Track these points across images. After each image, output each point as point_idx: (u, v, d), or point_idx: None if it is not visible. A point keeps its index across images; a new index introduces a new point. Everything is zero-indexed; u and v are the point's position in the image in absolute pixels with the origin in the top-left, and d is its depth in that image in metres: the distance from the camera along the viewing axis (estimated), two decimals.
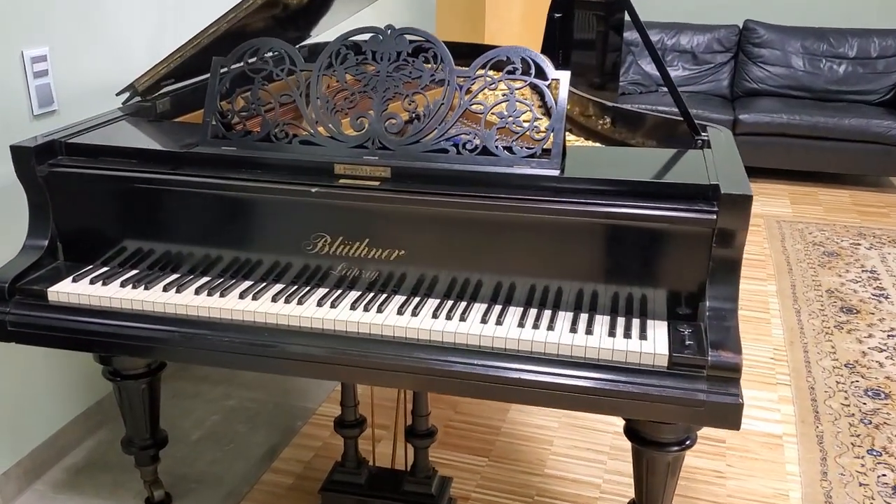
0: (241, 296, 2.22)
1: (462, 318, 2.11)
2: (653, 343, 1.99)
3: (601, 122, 2.95)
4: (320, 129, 2.31)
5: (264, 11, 3.12)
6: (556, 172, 2.15)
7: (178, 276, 2.35)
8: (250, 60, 2.39)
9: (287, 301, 2.20)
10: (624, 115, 2.90)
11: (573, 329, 2.06)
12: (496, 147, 2.23)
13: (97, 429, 3.26)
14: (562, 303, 2.17)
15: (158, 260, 2.37)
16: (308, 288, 2.27)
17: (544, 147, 2.21)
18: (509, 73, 2.27)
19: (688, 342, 1.97)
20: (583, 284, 2.14)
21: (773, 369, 3.85)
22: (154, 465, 2.84)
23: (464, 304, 2.20)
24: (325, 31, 3.77)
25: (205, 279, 2.33)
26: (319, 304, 2.18)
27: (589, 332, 2.04)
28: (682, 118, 2.60)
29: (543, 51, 5.68)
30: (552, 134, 2.21)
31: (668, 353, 1.95)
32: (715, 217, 1.99)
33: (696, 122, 2.56)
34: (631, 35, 7.01)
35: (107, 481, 3.05)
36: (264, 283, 2.30)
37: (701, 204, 2.02)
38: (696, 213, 2.01)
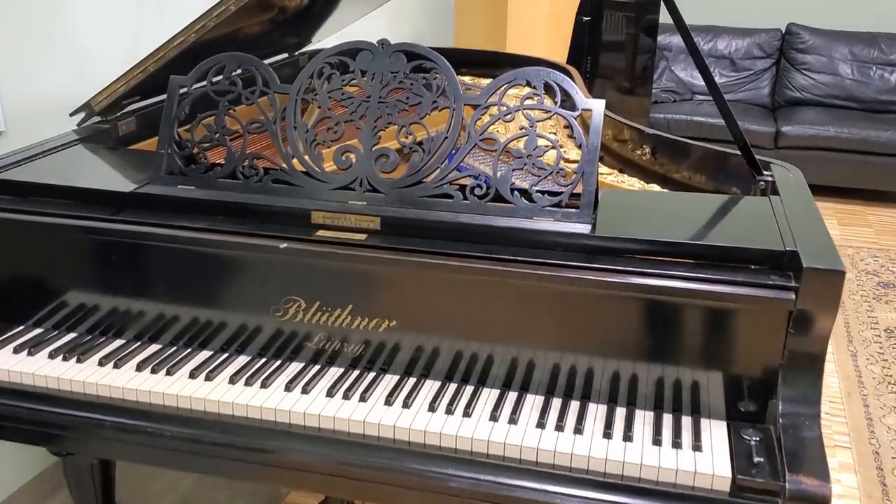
0: (192, 374, 1.80)
1: (466, 413, 1.67)
2: (710, 457, 1.54)
3: (640, 151, 2.49)
4: (297, 165, 1.88)
5: (255, 15, 2.70)
6: (586, 228, 1.71)
7: (123, 342, 1.93)
8: (215, 80, 1.96)
9: (248, 383, 1.77)
10: (667, 145, 2.45)
11: (607, 433, 1.61)
12: (512, 193, 1.78)
13: (52, 495, 2.86)
14: (592, 392, 1.72)
15: (100, 322, 1.95)
16: (278, 363, 1.84)
17: (572, 193, 1.77)
18: (531, 100, 1.82)
19: (756, 458, 1.52)
20: (619, 368, 1.69)
21: (829, 428, 3.37)
22: None
23: (469, 389, 1.76)
24: (331, 35, 3.34)
25: (153, 348, 1.91)
26: (288, 387, 1.75)
27: (627, 437, 1.60)
28: (738, 151, 2.14)
29: (570, 58, 5.22)
30: (582, 178, 1.76)
31: (730, 473, 1.50)
32: (794, 297, 1.54)
33: (757, 157, 2.10)
34: (662, 39, 6.52)
35: None
36: (226, 355, 1.87)
37: (775, 277, 1.57)
38: (769, 289, 1.56)
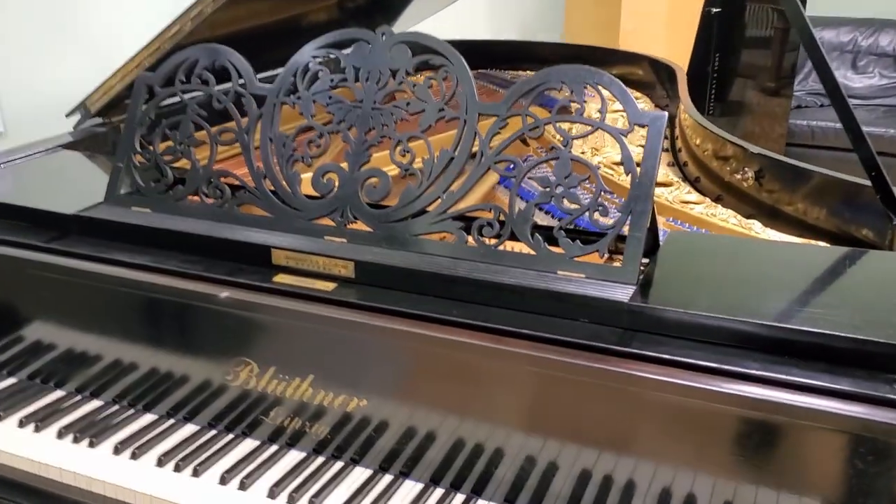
0: (117, 449, 1.42)
1: None
2: None
3: (740, 175, 1.95)
4: (269, 186, 1.48)
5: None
6: (626, 294, 1.22)
7: (57, 397, 1.58)
8: (183, 78, 1.58)
9: (178, 468, 1.37)
10: (777, 168, 1.89)
11: None
12: (532, 236, 1.32)
13: None
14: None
15: (33, 370, 1.62)
16: (228, 439, 1.44)
17: (613, 247, 1.28)
18: (564, 110, 1.35)
19: None
20: (667, 487, 1.19)
21: None
22: None
23: (458, 499, 1.31)
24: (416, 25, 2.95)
25: (90, 406, 1.55)
26: (223, 480, 1.35)
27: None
28: (868, 180, 1.58)
29: (694, 55, 4.60)
30: (627, 226, 1.27)
31: None
32: None
33: (892, 187, 1.54)
34: (817, 34, 5.74)
35: None
36: (171, 421, 1.49)
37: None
38: (884, 408, 1.03)
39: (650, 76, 2.84)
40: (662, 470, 1.18)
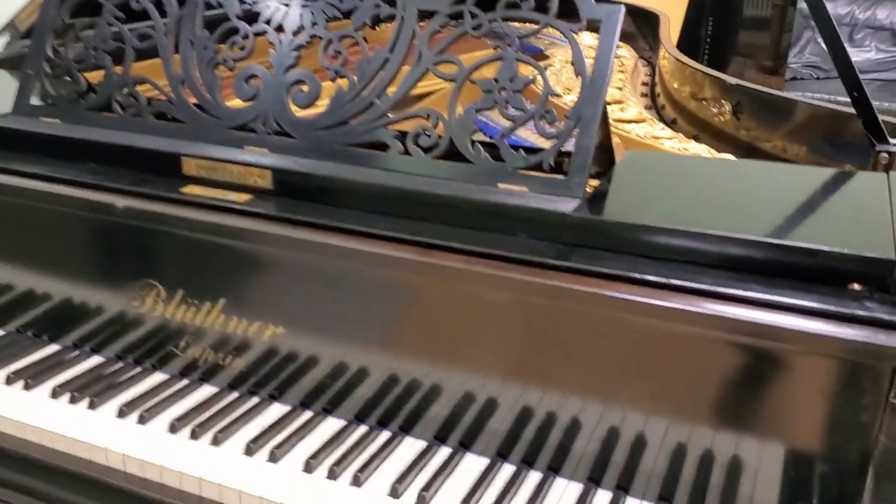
0: (9, 380, 1.28)
1: (357, 480, 1.07)
2: None
3: (716, 109, 1.80)
4: (189, 95, 1.33)
5: None
6: (569, 205, 1.08)
7: None
8: None
9: (74, 399, 1.23)
10: (756, 101, 1.74)
11: None
12: (470, 146, 1.17)
13: None
14: (566, 462, 1.10)
15: None
16: (134, 372, 1.30)
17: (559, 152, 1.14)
18: (512, 6, 1.20)
19: None
20: (610, 431, 1.06)
21: None
22: None
23: (382, 437, 1.17)
24: None
25: None
26: (121, 413, 1.20)
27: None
28: (854, 109, 1.43)
29: (687, 18, 4.43)
30: (576, 129, 1.12)
31: None
32: None
33: (879, 117, 1.39)
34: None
35: None
36: (75, 353, 1.35)
37: (873, 305, 0.90)
38: (860, 326, 0.89)
39: (630, 26, 2.69)
40: (610, 398, 1.04)
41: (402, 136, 1.21)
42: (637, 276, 0.97)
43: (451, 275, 1.06)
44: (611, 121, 1.67)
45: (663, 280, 0.96)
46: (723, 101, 1.77)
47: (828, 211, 1.11)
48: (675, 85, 2.09)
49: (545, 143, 1.15)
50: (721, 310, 0.93)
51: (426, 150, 1.19)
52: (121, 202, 1.21)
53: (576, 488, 1.08)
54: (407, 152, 1.19)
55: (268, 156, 1.24)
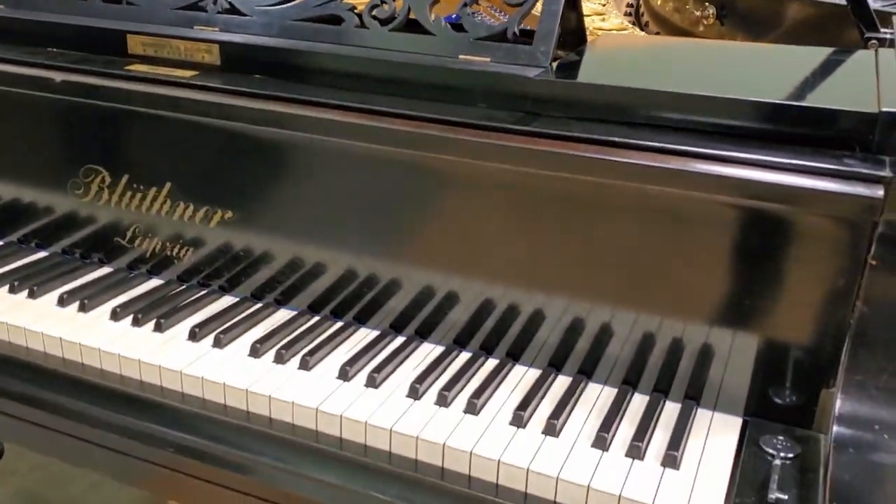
0: None
1: (345, 377, 1.01)
2: (689, 480, 0.84)
3: (700, 13, 1.73)
4: None
5: None
6: (534, 71, 1.01)
7: None
8: None
9: (14, 289, 1.17)
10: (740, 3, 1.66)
11: (518, 415, 0.92)
12: (429, 16, 1.10)
13: None
14: (531, 345, 1.03)
15: None
16: (76, 266, 1.24)
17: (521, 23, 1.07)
18: None
19: (775, 492, 0.80)
20: (567, 308, 0.99)
21: None
22: None
23: (333, 328, 1.10)
24: None
25: None
26: (62, 301, 1.14)
27: (550, 427, 0.90)
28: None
29: None
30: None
31: None
32: (881, 195, 0.80)
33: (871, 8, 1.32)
34: None
35: None
36: (15, 247, 1.29)
37: (852, 162, 0.83)
38: (836, 180, 0.82)
39: None
40: (559, 284, 0.98)
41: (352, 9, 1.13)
42: (603, 137, 0.90)
43: (402, 140, 0.99)
44: (591, 29, 1.61)
45: (633, 141, 0.89)
46: (707, 4, 1.69)
47: (811, 78, 1.04)
48: (659, 2, 2.02)
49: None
50: (693, 167, 0.86)
51: (383, 22, 1.11)
52: (59, 76, 1.13)
53: (534, 374, 1.02)
54: (363, 25, 1.12)
55: (217, 33, 1.16)
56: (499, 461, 0.86)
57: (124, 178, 1.17)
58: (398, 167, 1.02)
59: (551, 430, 0.90)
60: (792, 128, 0.88)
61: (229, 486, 0.95)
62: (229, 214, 1.13)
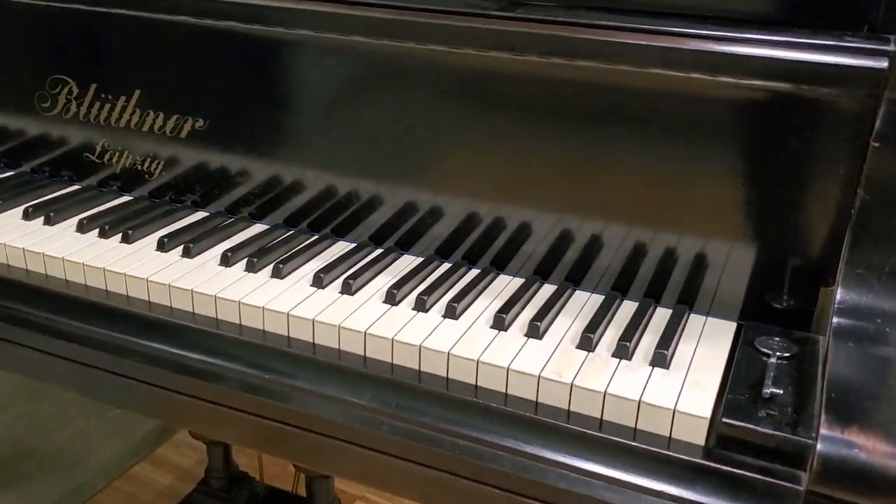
0: None
1: (319, 285, 0.97)
2: (679, 378, 0.79)
3: None
4: None
5: None
6: None
7: None
8: None
9: None
10: None
11: (500, 318, 0.87)
12: None
13: None
14: (517, 256, 0.99)
15: None
16: (44, 183, 1.19)
17: None
18: None
19: (770, 387, 0.75)
20: (560, 218, 0.95)
21: None
22: None
23: (311, 238, 1.06)
24: None
25: None
26: (27, 214, 1.09)
27: (532, 329, 0.86)
28: None
29: None
30: None
31: (709, 413, 0.74)
32: (885, 66, 0.75)
33: None
34: None
35: None
36: None
37: (855, 38, 0.78)
38: (832, 53, 0.77)
39: None
40: (538, 179, 0.93)
41: None
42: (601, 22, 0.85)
43: (382, 30, 0.93)
44: None
45: (629, 24, 0.84)
46: None
47: None
48: None
49: None
50: (689, 45, 0.81)
51: None
52: None
53: (518, 282, 0.97)
54: None
55: None
56: (478, 361, 0.81)
57: (92, 88, 1.12)
58: (379, 64, 0.96)
59: (534, 331, 0.85)
60: (796, 8, 0.82)
61: (197, 395, 0.90)
62: (200, 123, 1.07)
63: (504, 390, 0.80)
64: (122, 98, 1.11)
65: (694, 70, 0.81)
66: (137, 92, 1.09)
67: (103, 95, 1.12)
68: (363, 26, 0.93)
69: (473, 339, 0.84)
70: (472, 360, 0.81)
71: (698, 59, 0.80)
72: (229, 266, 0.98)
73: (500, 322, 0.86)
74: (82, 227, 1.05)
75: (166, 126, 1.09)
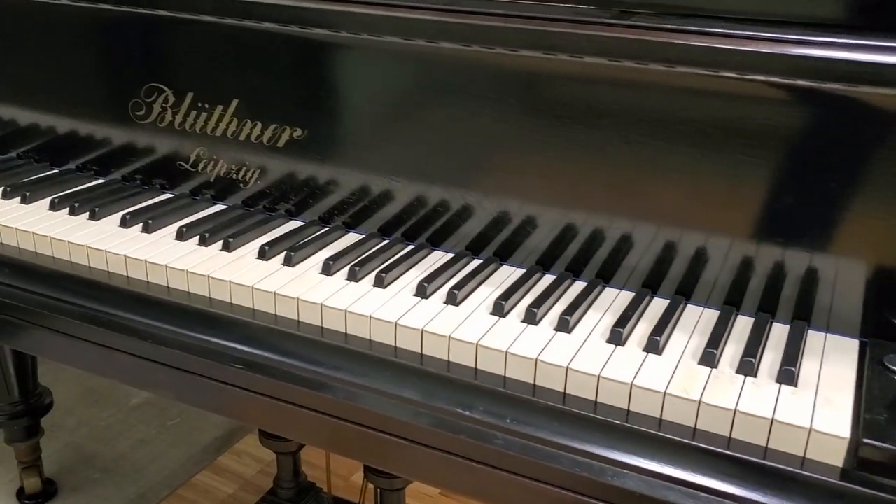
0: (7, 194, 1.18)
1: (423, 294, 0.96)
2: (810, 397, 0.77)
3: None
4: None
5: None
6: None
7: None
8: None
9: (74, 211, 1.12)
10: None
11: (616, 332, 0.85)
12: None
13: None
14: (622, 268, 0.97)
15: None
16: (136, 191, 1.19)
17: None
18: None
19: None
20: (660, 231, 0.93)
21: None
22: (31, 440, 1.91)
23: (406, 249, 1.05)
24: None
25: None
26: (124, 222, 1.10)
27: (652, 343, 0.84)
28: None
29: None
30: None
31: (849, 433, 0.72)
32: None
33: None
34: None
35: None
36: (73, 175, 1.25)
37: None
38: None
39: None
40: (640, 193, 0.91)
41: None
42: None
43: (503, 40, 0.92)
44: None
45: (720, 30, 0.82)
46: None
47: None
48: None
49: None
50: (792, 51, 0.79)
51: None
52: None
53: (627, 296, 0.95)
54: None
55: None
56: (598, 376, 0.79)
57: (189, 97, 1.12)
58: (485, 74, 0.96)
59: (653, 346, 0.83)
60: (868, 13, 0.80)
61: (303, 404, 0.90)
62: (299, 132, 1.07)
63: (626, 406, 0.79)
64: (220, 107, 1.11)
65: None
66: (235, 101, 1.09)
67: (200, 104, 1.12)
68: (483, 36, 0.92)
69: (591, 353, 0.83)
70: (593, 375, 0.79)
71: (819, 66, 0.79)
72: (331, 275, 0.97)
73: (617, 336, 0.85)
74: (181, 235, 1.05)
75: (264, 135, 1.09)
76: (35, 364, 1.82)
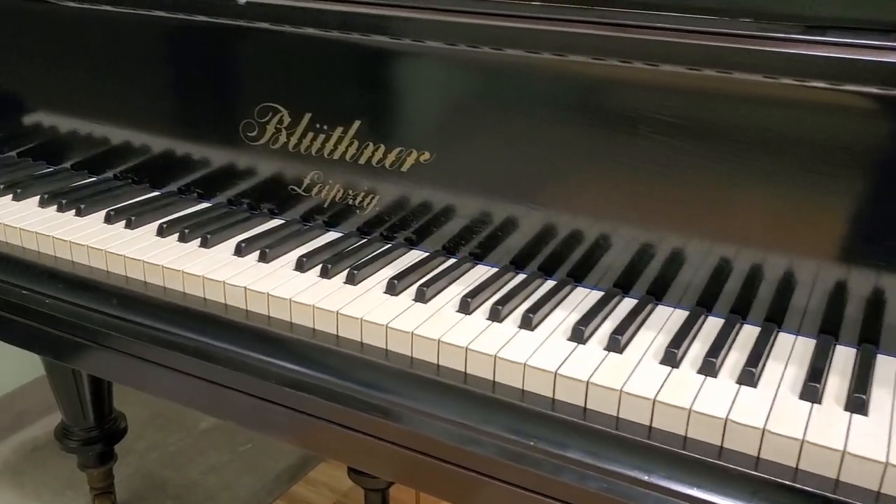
0: (110, 218, 1.12)
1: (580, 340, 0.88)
2: (887, 425, 0.68)
3: None
4: None
5: None
6: None
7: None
8: None
9: (184, 237, 1.06)
10: None
11: (671, 353, 0.77)
12: None
13: None
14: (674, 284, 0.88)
15: None
16: (244, 217, 1.12)
17: None
18: None
19: None
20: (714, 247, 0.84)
21: None
22: (105, 466, 1.85)
23: (546, 286, 0.97)
24: None
25: (83, 182, 1.25)
26: (239, 250, 1.03)
27: (707, 364, 0.76)
28: None
29: None
30: None
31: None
32: None
33: None
34: None
35: (61, 474, 2.12)
36: (176, 197, 1.19)
37: None
38: None
39: None
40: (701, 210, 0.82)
41: None
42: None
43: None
44: None
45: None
46: None
47: None
48: None
49: None
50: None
51: None
52: None
53: (682, 315, 0.86)
54: None
55: None
56: (654, 400, 0.72)
57: (306, 118, 1.06)
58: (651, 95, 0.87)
59: (709, 369, 0.77)
60: None
61: (376, 434, 0.82)
62: (426, 156, 1.00)
63: (684, 433, 0.72)
64: (339, 129, 1.04)
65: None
66: (357, 123, 1.02)
67: (318, 125, 1.05)
68: (646, 51, 0.85)
69: (644, 375, 0.77)
70: (648, 398, 0.72)
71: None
72: (469, 313, 0.89)
73: (672, 358, 0.78)
74: (301, 266, 0.98)
75: (386, 159, 1.02)
76: (111, 388, 1.77)
